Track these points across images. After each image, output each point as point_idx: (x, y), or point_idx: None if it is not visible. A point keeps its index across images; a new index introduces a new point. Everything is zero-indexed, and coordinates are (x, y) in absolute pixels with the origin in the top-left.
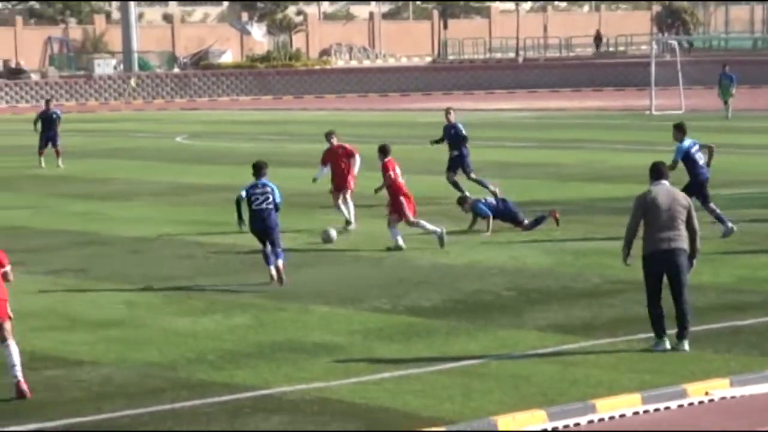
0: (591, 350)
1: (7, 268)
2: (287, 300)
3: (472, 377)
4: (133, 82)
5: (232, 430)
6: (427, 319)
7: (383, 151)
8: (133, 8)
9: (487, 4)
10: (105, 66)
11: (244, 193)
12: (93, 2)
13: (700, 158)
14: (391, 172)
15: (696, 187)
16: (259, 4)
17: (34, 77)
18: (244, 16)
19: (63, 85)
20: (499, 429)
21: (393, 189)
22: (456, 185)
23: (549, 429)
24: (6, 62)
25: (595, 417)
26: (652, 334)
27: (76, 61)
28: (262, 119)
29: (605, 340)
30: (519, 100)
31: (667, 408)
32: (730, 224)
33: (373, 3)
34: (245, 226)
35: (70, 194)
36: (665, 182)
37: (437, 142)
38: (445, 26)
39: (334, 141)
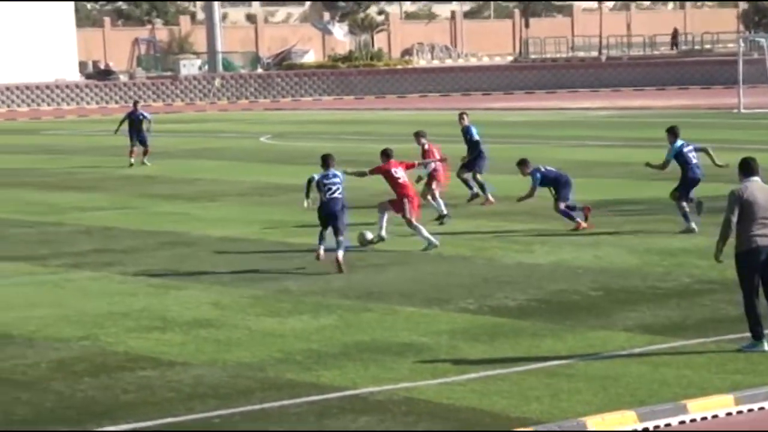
0: (681, 351)
1: None
2: (373, 300)
3: (559, 378)
4: (217, 82)
5: (321, 430)
6: (513, 319)
7: (386, 154)
8: (218, 9)
9: (570, 2)
10: (190, 66)
11: (316, 177)
12: (178, 3)
13: (694, 158)
14: (396, 169)
15: (686, 185)
16: (341, 4)
17: (123, 78)
18: (326, 16)
19: (150, 86)
20: (589, 429)
21: (398, 187)
22: (466, 183)
23: (639, 429)
24: (95, 63)
25: (686, 418)
26: (742, 335)
27: (163, 61)
28: (344, 119)
29: (695, 341)
30: (602, 99)
31: (761, 408)
32: (693, 224)
33: (454, 2)
34: (309, 203)
35: (157, 195)
36: (757, 178)
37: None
38: (527, 25)
39: (424, 142)
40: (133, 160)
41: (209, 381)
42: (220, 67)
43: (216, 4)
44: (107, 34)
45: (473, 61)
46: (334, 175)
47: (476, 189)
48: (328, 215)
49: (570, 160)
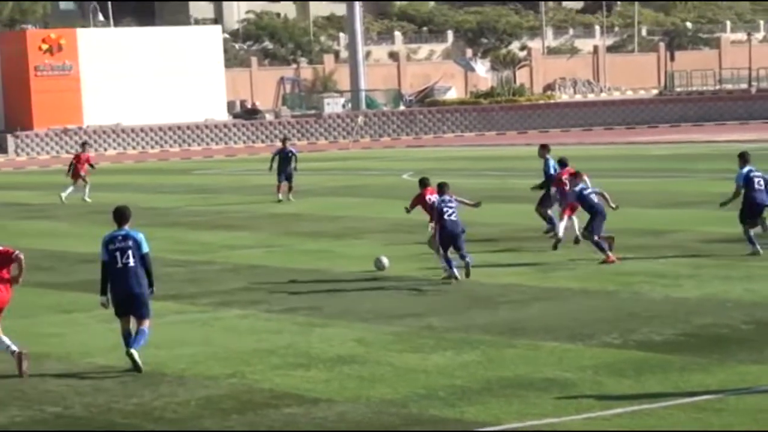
0: None
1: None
2: (516, 336)
3: (708, 413)
4: (360, 120)
5: None
6: (660, 353)
7: (422, 183)
8: (361, 47)
9: (717, 34)
10: (334, 105)
11: (436, 202)
12: (323, 42)
13: (759, 184)
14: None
15: (750, 210)
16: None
17: (268, 117)
18: (468, 52)
19: (294, 124)
20: None
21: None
22: (544, 217)
23: None
24: (243, 103)
25: None
26: None
27: (307, 100)
28: (486, 155)
29: None
30: (753, 131)
31: None
32: (758, 246)
33: (597, 36)
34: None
35: (302, 232)
36: None
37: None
38: (672, 58)
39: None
40: (281, 196)
41: (353, 417)
42: (363, 105)
43: (360, 42)
44: (254, 73)
45: (616, 95)
46: (450, 200)
47: (558, 225)
48: (450, 237)
49: (719, 192)
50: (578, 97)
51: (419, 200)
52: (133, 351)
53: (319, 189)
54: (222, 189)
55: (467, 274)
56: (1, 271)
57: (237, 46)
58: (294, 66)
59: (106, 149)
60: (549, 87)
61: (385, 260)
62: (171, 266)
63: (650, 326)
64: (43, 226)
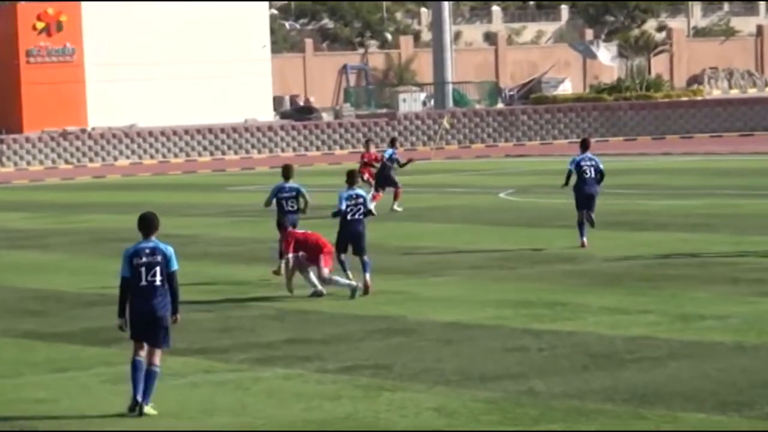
0: None
1: None
2: (647, 405)
3: None
4: (446, 121)
5: None
6: None
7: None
8: (449, 27)
9: None
10: (412, 102)
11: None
12: (399, 20)
13: (589, 174)
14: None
15: (578, 201)
16: (609, 18)
17: (326, 117)
18: (589, 33)
19: (360, 126)
20: None
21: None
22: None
23: None
24: (294, 99)
25: None
26: None
27: (377, 95)
28: (612, 168)
29: None
30: None
31: None
32: (584, 239)
33: (762, 13)
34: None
35: None
36: None
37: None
38: None
39: None
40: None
41: None
42: (450, 102)
43: (447, 20)
44: (308, 61)
45: None
46: (359, 195)
47: None
48: (351, 236)
49: None
50: (735, 93)
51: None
52: (146, 407)
53: (388, 214)
54: (264, 210)
55: (365, 290)
56: None
57: (287, 24)
58: (361, 51)
59: (116, 158)
60: (695, 79)
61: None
62: (197, 311)
63: None
64: (33, 259)
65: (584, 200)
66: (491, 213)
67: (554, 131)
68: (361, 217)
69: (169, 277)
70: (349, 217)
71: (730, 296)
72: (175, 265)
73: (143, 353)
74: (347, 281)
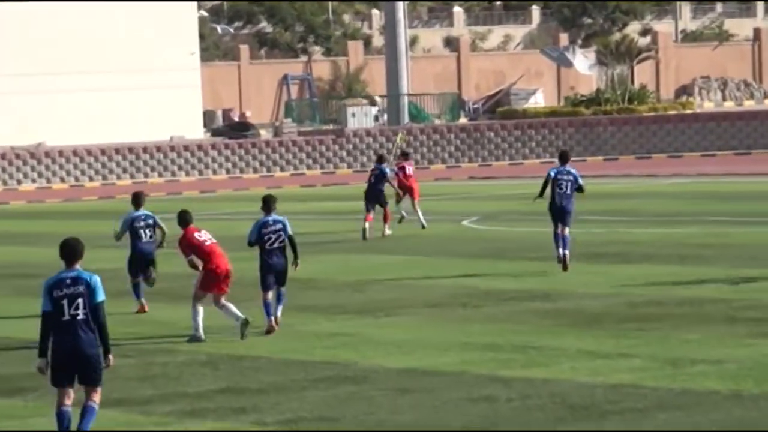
0: None
1: None
2: None
3: None
4: (399, 138)
5: None
6: None
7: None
8: (404, 30)
9: None
10: (362, 116)
11: (259, 225)
12: (347, 23)
13: (564, 188)
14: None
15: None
16: (586, 20)
17: (265, 134)
18: (564, 38)
19: (303, 145)
20: None
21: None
22: None
23: None
24: (227, 113)
25: None
26: None
27: (322, 109)
28: (591, 192)
29: None
30: None
31: None
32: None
33: (760, 14)
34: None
35: (312, 306)
36: None
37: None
38: None
39: None
40: (367, 225)
41: None
42: (406, 117)
43: (402, 23)
44: (244, 70)
45: None
46: (275, 221)
47: None
48: (271, 268)
49: None
50: (729, 105)
51: (188, 245)
52: None
53: (340, 242)
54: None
55: (270, 329)
56: None
57: (219, 28)
58: (304, 59)
59: (20, 182)
60: (684, 90)
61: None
62: (115, 355)
63: None
64: None
65: (558, 215)
66: (453, 243)
67: (525, 150)
68: (281, 245)
69: (94, 309)
70: (267, 246)
71: (726, 338)
72: (100, 296)
73: (69, 402)
74: (237, 312)
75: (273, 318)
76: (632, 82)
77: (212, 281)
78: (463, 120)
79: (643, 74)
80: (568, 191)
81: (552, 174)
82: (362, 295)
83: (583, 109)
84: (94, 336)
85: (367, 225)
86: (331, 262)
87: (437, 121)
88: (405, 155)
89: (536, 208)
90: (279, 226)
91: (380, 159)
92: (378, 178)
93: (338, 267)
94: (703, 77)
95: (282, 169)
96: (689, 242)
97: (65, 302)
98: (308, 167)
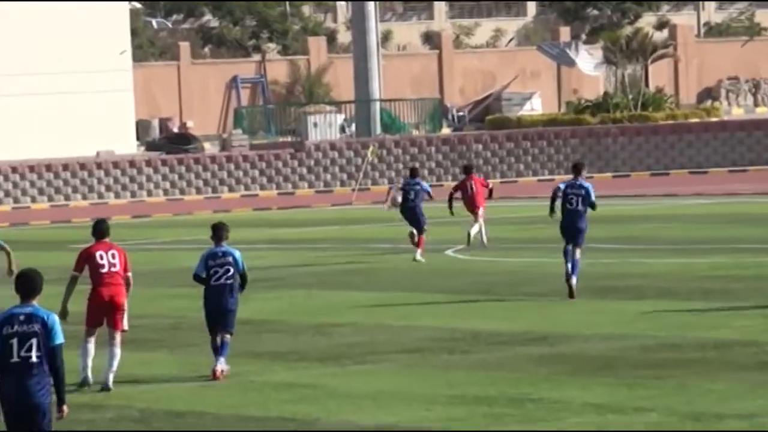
0: None
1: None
2: None
3: None
4: (370, 153)
5: None
6: None
7: None
8: (375, 25)
9: None
10: (325, 126)
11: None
12: (307, 17)
13: (575, 204)
14: None
15: (562, 233)
16: (591, 12)
17: (210, 148)
18: (565, 33)
19: (255, 161)
20: None
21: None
22: None
23: None
24: (165, 123)
25: None
26: None
27: (278, 118)
28: (598, 215)
29: None
30: None
31: None
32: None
33: None
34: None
35: (266, 352)
36: None
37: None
38: None
39: None
40: (419, 255)
41: None
42: (378, 127)
43: (372, 16)
44: (185, 71)
45: None
46: (224, 253)
47: None
48: (216, 308)
49: None
50: (762, 111)
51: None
52: None
53: (299, 276)
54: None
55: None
56: None
57: (155, 23)
58: (256, 58)
59: None
60: (709, 93)
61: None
62: None
63: None
64: None
65: (568, 234)
66: (434, 277)
67: (519, 165)
68: (229, 282)
69: (50, 352)
70: (212, 282)
71: (757, 388)
72: (59, 338)
73: None
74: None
75: (218, 368)
76: (646, 84)
77: (93, 312)
78: (445, 130)
79: (659, 75)
80: (579, 207)
81: (561, 187)
82: (327, 339)
83: (589, 116)
84: (46, 382)
85: (419, 254)
86: (290, 300)
87: (415, 132)
88: (469, 169)
89: (534, 235)
90: (229, 259)
91: (413, 172)
92: (417, 194)
93: (298, 306)
94: (731, 78)
95: (231, 190)
96: (715, 274)
97: (15, 342)
98: (262, 187)
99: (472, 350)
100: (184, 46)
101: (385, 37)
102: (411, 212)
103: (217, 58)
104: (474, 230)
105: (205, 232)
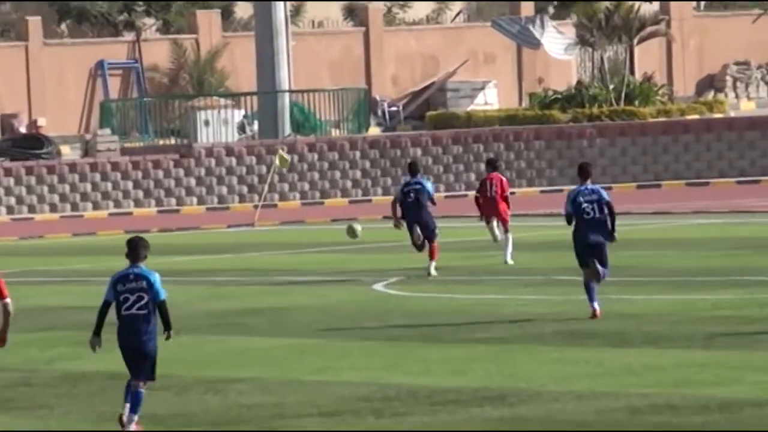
0: None
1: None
2: None
3: None
4: (278, 160)
5: None
6: None
7: None
8: None
9: None
10: (220, 125)
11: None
12: None
13: (591, 213)
14: None
15: (577, 250)
16: None
17: (68, 153)
18: (527, 6)
19: (129, 170)
20: None
21: None
22: None
23: None
24: (10, 121)
25: None
26: None
27: (159, 114)
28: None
29: None
30: None
31: None
32: (596, 304)
33: None
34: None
35: (145, 416)
36: None
37: None
38: None
39: None
40: (432, 270)
41: None
42: (287, 126)
43: None
44: (35, 55)
45: None
46: (137, 276)
47: None
48: (129, 343)
49: None
50: None
51: None
52: None
53: (187, 318)
54: None
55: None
56: None
57: None
58: (129, 38)
59: None
60: (711, 83)
61: (358, 228)
62: None
63: None
64: None
65: (586, 251)
66: (361, 317)
67: (468, 175)
68: (143, 312)
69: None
70: (123, 311)
71: None
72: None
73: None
74: None
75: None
76: (632, 71)
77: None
78: (374, 130)
79: (648, 59)
80: (597, 215)
81: (572, 197)
82: (221, 399)
83: (557, 112)
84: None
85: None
86: (176, 348)
87: (335, 132)
88: (493, 165)
89: (488, 263)
90: (142, 284)
91: (412, 168)
92: (418, 193)
93: (186, 355)
94: (739, 63)
95: (96, 207)
96: (719, 315)
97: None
98: (137, 203)
99: (408, 412)
100: (34, 22)
101: (295, 13)
102: (415, 213)
103: (77, 38)
104: (499, 235)
105: (61, 261)
